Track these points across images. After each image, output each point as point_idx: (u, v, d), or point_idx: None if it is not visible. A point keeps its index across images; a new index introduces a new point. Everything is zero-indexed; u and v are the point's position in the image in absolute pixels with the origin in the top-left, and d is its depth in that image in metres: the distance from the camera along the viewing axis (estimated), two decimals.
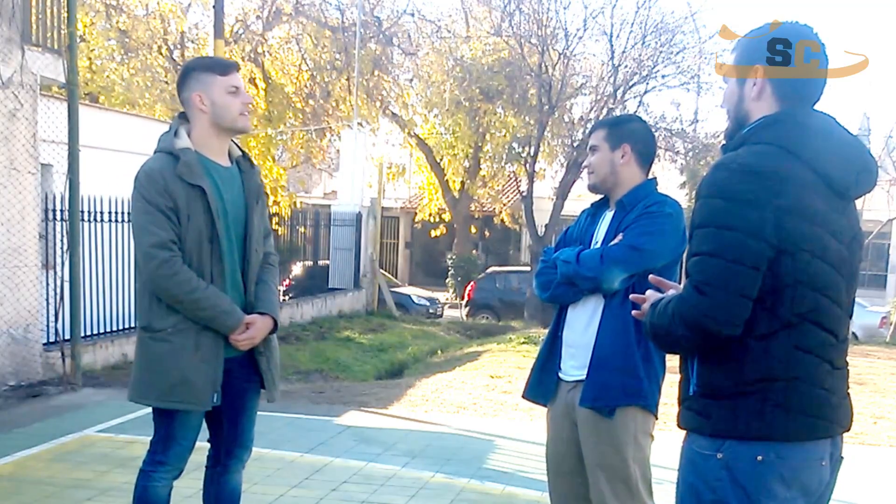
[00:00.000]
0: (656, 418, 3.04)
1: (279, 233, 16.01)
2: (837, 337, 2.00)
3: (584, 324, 3.04)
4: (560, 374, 3.12)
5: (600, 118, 18.26)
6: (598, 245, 3.05)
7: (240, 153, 3.18)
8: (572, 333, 3.08)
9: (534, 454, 5.88)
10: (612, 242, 2.98)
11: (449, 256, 24.10)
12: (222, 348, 3.03)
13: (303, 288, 16.51)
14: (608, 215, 3.12)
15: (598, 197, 3.22)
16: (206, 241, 2.97)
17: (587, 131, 18.69)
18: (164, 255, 2.89)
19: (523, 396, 3.29)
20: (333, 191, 25.35)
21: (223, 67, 3.05)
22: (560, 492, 3.18)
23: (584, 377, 2.99)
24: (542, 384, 3.17)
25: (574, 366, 3.06)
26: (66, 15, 7.69)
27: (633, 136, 3.09)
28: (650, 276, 2.27)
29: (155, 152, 3.02)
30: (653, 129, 3.43)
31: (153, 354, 3.00)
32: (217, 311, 2.96)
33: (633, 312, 2.21)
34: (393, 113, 22.38)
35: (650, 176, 3.16)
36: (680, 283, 2.20)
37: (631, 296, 2.24)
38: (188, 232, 2.94)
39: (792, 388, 1.93)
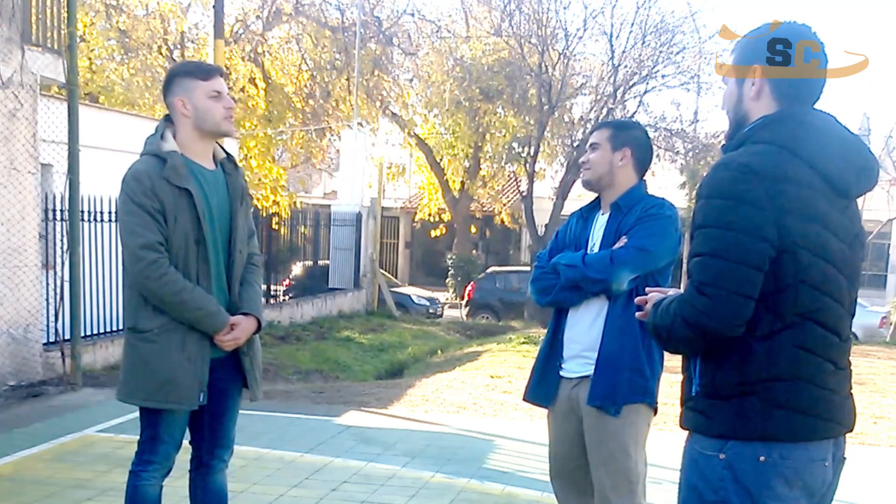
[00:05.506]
0: (655, 413, 3.13)
1: (280, 232, 16.01)
2: (840, 336, 2.00)
3: (587, 324, 3.07)
4: (561, 373, 3.15)
5: (601, 118, 18.29)
6: (595, 248, 3.10)
7: (224, 155, 3.20)
8: (575, 333, 3.11)
9: (534, 454, 5.88)
10: (618, 245, 3.02)
11: (449, 256, 24.10)
12: (208, 348, 3.05)
13: (303, 288, 16.50)
14: (601, 218, 3.16)
15: (593, 196, 3.26)
16: (192, 242, 3.00)
17: (587, 131, 18.72)
18: (151, 257, 2.92)
19: (524, 399, 3.31)
20: (333, 191, 25.36)
21: (205, 72, 3.08)
22: (565, 489, 3.23)
23: (588, 374, 3.04)
24: (543, 386, 3.20)
25: (578, 363, 3.09)
26: (66, 15, 7.68)
27: (636, 143, 3.16)
28: (648, 287, 2.30)
29: (141, 154, 3.04)
30: (653, 130, 3.49)
31: (140, 355, 3.02)
32: (203, 313, 2.99)
33: (637, 314, 2.22)
34: (393, 113, 22.38)
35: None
36: (679, 284, 2.20)
37: (637, 299, 2.26)
38: (174, 234, 2.97)
39: (795, 388, 1.93)
